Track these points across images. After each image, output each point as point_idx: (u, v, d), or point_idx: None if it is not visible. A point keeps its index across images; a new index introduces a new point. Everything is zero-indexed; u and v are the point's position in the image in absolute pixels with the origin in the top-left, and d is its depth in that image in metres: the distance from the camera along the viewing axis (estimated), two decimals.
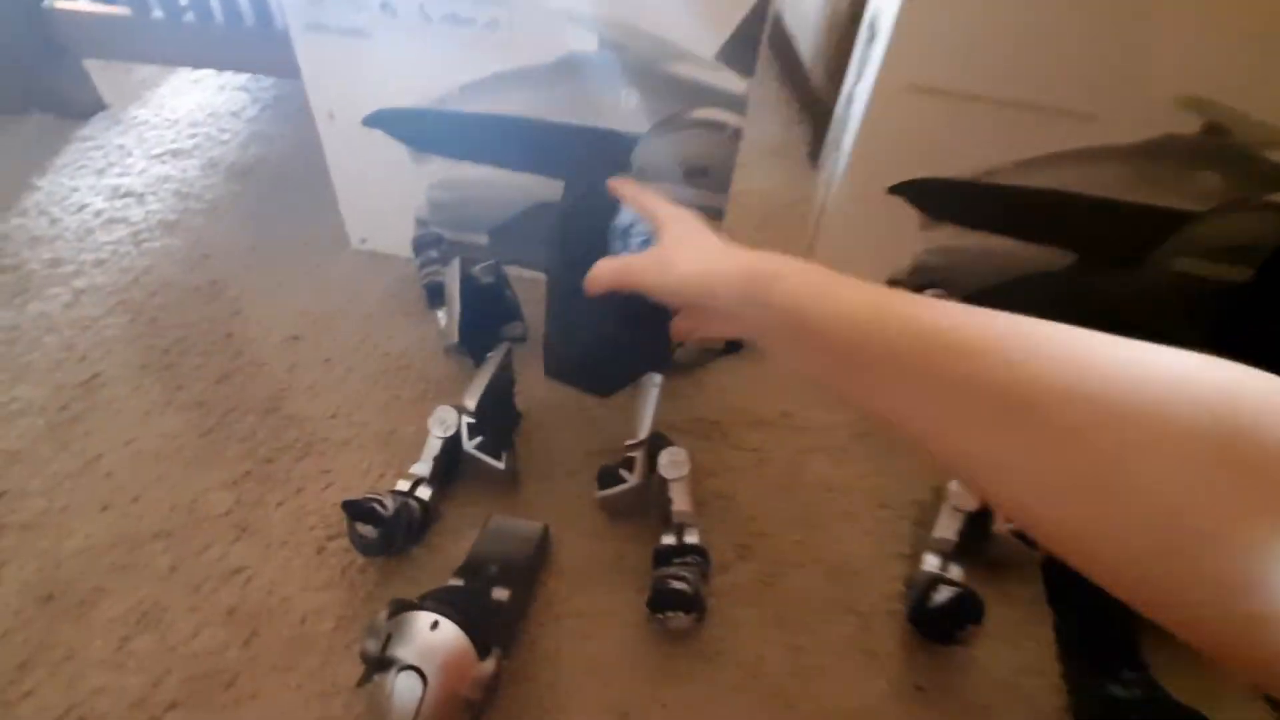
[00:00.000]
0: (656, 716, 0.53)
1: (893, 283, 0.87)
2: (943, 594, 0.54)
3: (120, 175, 0.97)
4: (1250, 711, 0.57)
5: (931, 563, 0.60)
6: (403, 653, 0.42)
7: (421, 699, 0.41)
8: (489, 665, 0.43)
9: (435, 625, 0.43)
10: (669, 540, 0.59)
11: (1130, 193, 0.73)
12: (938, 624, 0.54)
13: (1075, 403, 0.21)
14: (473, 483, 0.65)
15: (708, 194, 0.78)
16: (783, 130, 1.27)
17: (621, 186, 0.51)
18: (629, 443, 0.60)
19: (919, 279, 0.85)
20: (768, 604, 0.60)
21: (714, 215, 0.80)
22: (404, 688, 0.42)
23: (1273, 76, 0.64)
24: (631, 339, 0.51)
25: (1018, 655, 0.59)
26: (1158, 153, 0.70)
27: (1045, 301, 0.83)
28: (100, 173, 0.97)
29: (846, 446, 0.74)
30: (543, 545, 0.59)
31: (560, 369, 0.59)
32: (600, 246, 0.54)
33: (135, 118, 1.08)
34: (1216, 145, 0.69)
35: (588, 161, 0.77)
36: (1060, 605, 0.61)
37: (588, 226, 0.56)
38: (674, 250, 0.43)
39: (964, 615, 0.53)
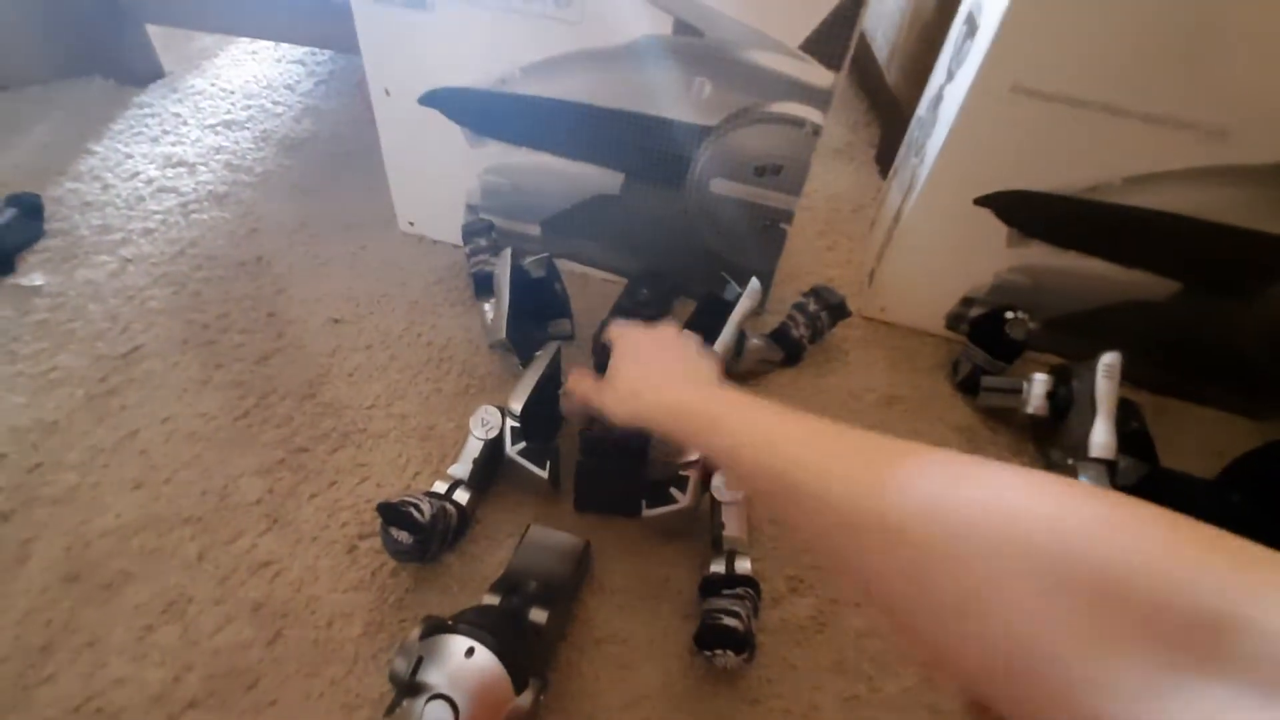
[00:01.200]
0: None
1: (968, 301, 0.80)
2: None
3: (174, 144, 0.96)
4: None
5: None
6: (435, 679, 0.39)
7: None
8: (526, 700, 0.39)
9: (470, 652, 0.40)
10: (718, 568, 0.54)
11: (1256, 219, 0.66)
12: None
13: (934, 540, 0.23)
14: (512, 489, 0.62)
15: (778, 194, 0.72)
16: (849, 131, 1.20)
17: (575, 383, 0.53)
18: (684, 460, 0.56)
19: (998, 298, 0.78)
20: (822, 646, 0.55)
21: (783, 218, 0.74)
22: (434, 712, 0.38)
23: None
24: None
25: None
26: (1243, 176, 0.63)
27: (1144, 331, 0.76)
28: (155, 140, 0.96)
29: None
30: (583, 561, 0.55)
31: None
32: None
33: (192, 87, 1.07)
34: None
35: (653, 153, 0.72)
36: None
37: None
38: (614, 379, 0.47)
39: None
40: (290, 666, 0.50)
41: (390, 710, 0.39)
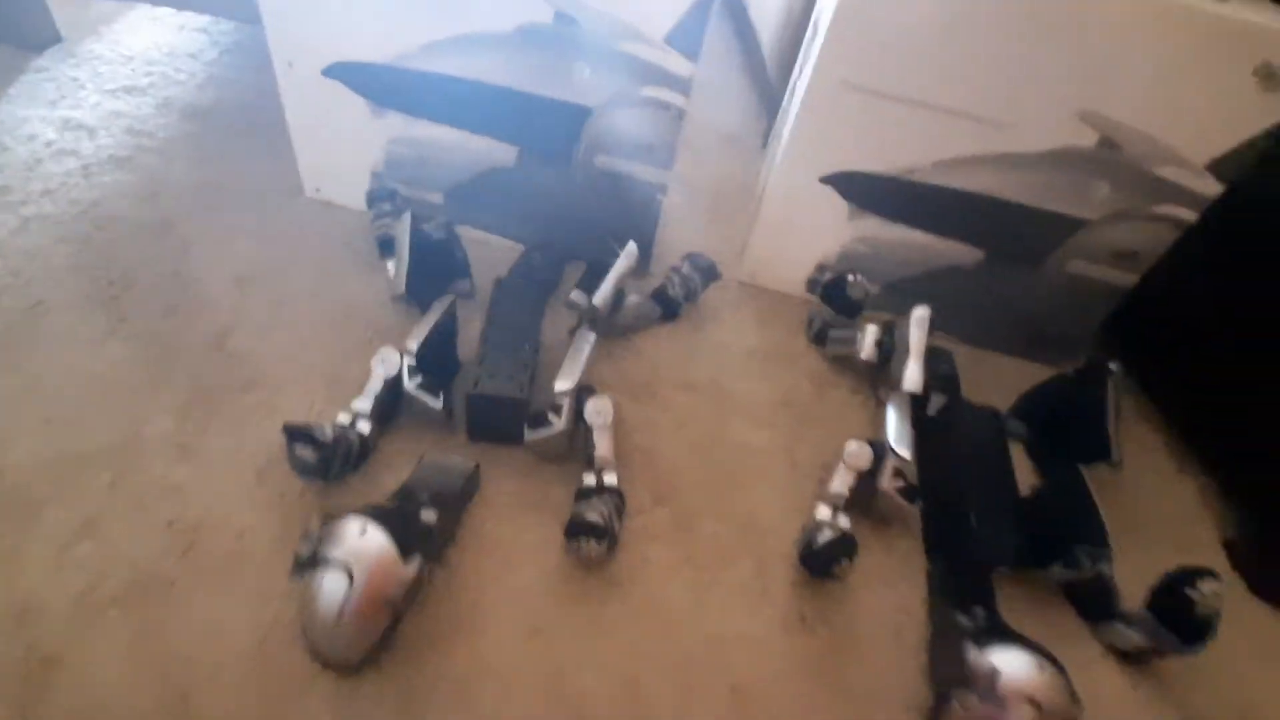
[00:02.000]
0: (565, 632, 0.58)
1: (822, 267, 0.93)
2: (824, 535, 0.61)
3: (72, 108, 0.97)
4: (1091, 651, 0.66)
5: (823, 513, 0.67)
6: (334, 553, 0.47)
7: (347, 594, 0.46)
8: (411, 569, 0.48)
9: (364, 531, 0.48)
10: (589, 481, 0.64)
11: (1033, 198, 0.81)
12: (819, 561, 0.61)
13: None
14: (412, 422, 0.69)
15: (651, 169, 0.82)
16: (741, 119, 1.32)
17: None
18: (558, 388, 0.65)
19: (845, 265, 0.91)
20: (677, 545, 0.66)
21: (658, 190, 0.85)
22: (332, 582, 0.46)
23: (1163, 98, 0.72)
24: None
25: (892, 595, 0.66)
26: (1058, 162, 0.78)
27: (958, 292, 0.91)
28: (52, 104, 0.96)
29: (766, 414, 0.81)
30: (472, 480, 0.64)
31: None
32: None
33: (90, 52, 1.07)
34: (1109, 159, 0.77)
35: (543, 130, 0.81)
36: (934, 555, 0.69)
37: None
38: None
39: (840, 552, 0.60)
40: (203, 570, 0.56)
41: (293, 575, 0.46)
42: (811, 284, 0.95)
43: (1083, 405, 0.79)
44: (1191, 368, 0.89)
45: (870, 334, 0.84)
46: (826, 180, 0.85)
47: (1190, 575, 0.60)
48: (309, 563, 0.47)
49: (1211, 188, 0.76)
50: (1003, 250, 0.87)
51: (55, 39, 1.07)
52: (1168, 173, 0.76)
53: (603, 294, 0.75)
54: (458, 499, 0.61)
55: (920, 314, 0.80)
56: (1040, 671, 0.50)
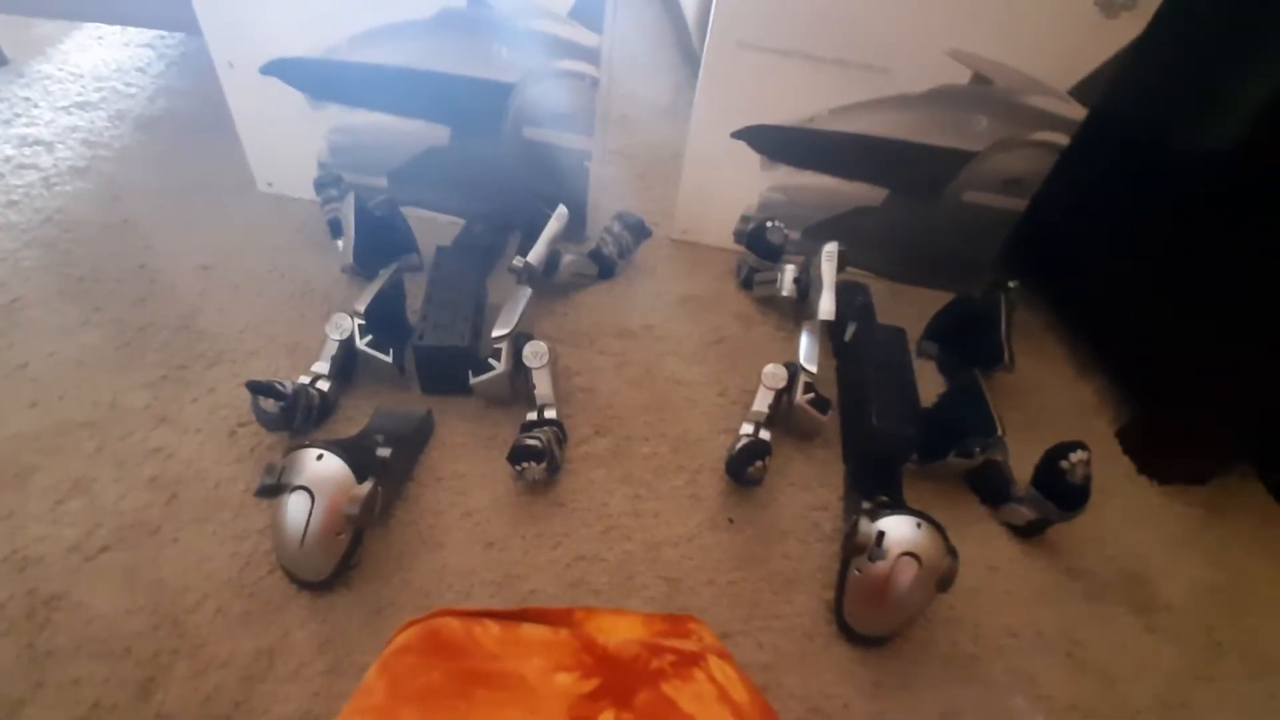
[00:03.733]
0: (516, 545, 0.66)
1: (745, 219, 1.01)
2: (741, 442, 0.69)
3: (27, 125, 1.02)
4: (991, 529, 0.75)
5: (747, 429, 0.74)
6: (295, 479, 0.54)
7: (310, 511, 0.53)
8: (365, 487, 0.55)
9: (320, 457, 0.55)
10: (531, 416, 0.72)
11: (921, 135, 0.89)
12: (736, 464, 0.69)
13: None
14: (369, 381, 0.76)
15: (574, 136, 0.89)
16: (673, 91, 1.39)
17: None
18: (495, 334, 0.72)
19: (765, 213, 0.99)
20: (616, 466, 0.74)
21: (584, 157, 0.92)
22: (296, 504, 0.53)
23: (1021, 32, 0.80)
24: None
25: (810, 496, 0.74)
26: (938, 100, 0.86)
27: (870, 230, 0.99)
28: (7, 123, 1.01)
29: (697, 352, 0.89)
30: (425, 424, 0.71)
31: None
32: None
33: (39, 72, 1.12)
34: (983, 93, 0.85)
35: (471, 108, 0.87)
36: (850, 460, 0.77)
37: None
38: None
39: (753, 454, 0.67)
40: (186, 516, 0.63)
41: (259, 494, 0.53)
42: (737, 235, 1.03)
43: (980, 320, 0.87)
44: (1083, 280, 0.98)
45: (789, 272, 0.92)
46: (737, 135, 0.92)
47: (1062, 449, 0.69)
48: (273, 489, 0.54)
49: (1077, 112, 0.84)
50: (903, 187, 0.95)
51: (1, 61, 1.12)
52: (1037, 101, 0.84)
53: (536, 253, 0.82)
54: (411, 440, 0.68)
55: (830, 249, 0.88)
56: (918, 529, 0.58)
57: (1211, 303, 0.82)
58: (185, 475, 0.65)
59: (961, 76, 0.83)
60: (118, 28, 1.22)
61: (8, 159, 0.95)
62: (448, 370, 0.74)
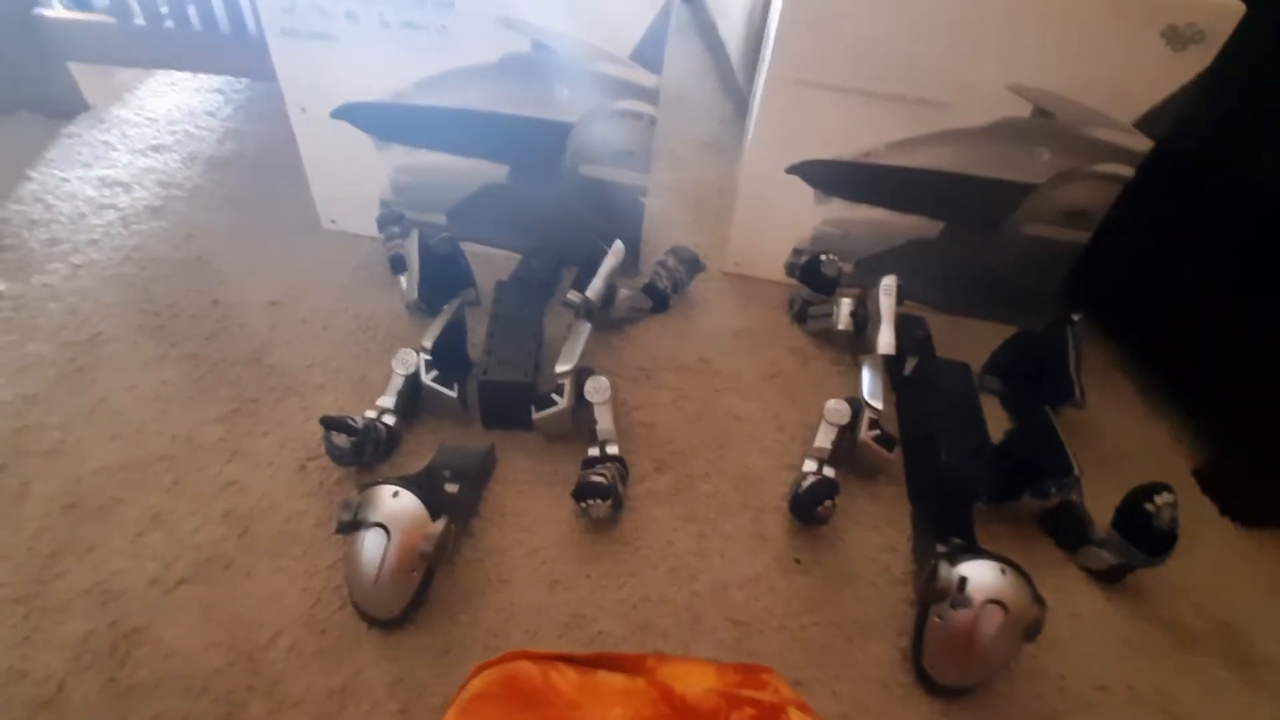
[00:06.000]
0: (582, 584, 0.65)
1: (798, 251, 1.01)
2: (808, 480, 0.68)
3: (107, 168, 1.07)
4: (1069, 575, 0.72)
5: (810, 466, 0.73)
6: (371, 515, 0.54)
7: (386, 548, 0.53)
8: (439, 525, 0.55)
9: (396, 494, 0.55)
10: (593, 452, 0.71)
11: (980, 168, 0.88)
12: (803, 504, 0.67)
13: None
14: (433, 416, 0.77)
15: (631, 173, 0.91)
16: (718, 126, 1.41)
17: None
18: (558, 370, 0.73)
19: (818, 246, 0.98)
20: (679, 504, 0.73)
21: (640, 193, 0.93)
22: (372, 541, 0.53)
23: (1085, 66, 0.79)
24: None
25: (878, 537, 0.72)
26: (999, 134, 0.85)
27: (926, 263, 0.98)
28: (88, 165, 1.07)
29: (755, 386, 0.88)
30: (489, 459, 0.71)
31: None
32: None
33: (117, 117, 1.18)
34: (1045, 126, 0.84)
35: (530, 147, 0.90)
36: (917, 499, 0.75)
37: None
38: None
39: (821, 493, 0.66)
40: (259, 550, 0.63)
41: (339, 531, 0.54)
42: (789, 268, 1.02)
43: (1047, 354, 0.85)
44: (1150, 314, 0.95)
45: (845, 306, 0.91)
46: (792, 170, 0.92)
47: (1147, 491, 0.66)
48: (351, 525, 0.54)
49: (1143, 144, 0.83)
50: (961, 220, 0.94)
51: (83, 107, 1.18)
52: (1101, 134, 0.83)
53: (594, 288, 0.83)
54: (476, 476, 0.68)
55: (888, 282, 0.87)
56: (1003, 575, 0.56)
57: None
58: (258, 509, 0.66)
59: (1023, 110, 0.83)
60: (189, 74, 1.29)
61: (89, 199, 1.00)
62: (510, 405, 0.74)
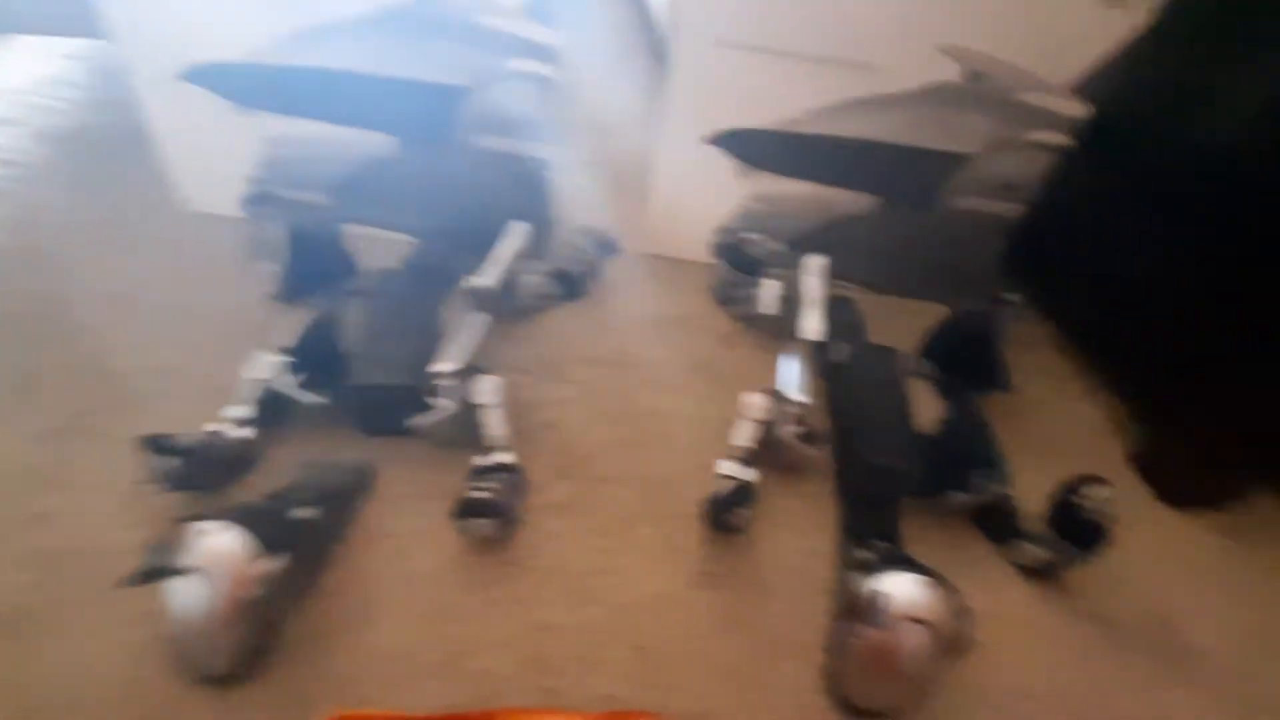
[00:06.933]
0: (464, 615, 0.57)
1: (724, 230, 0.93)
2: (722, 486, 0.61)
3: None
4: (1001, 572, 0.67)
5: (726, 468, 0.66)
6: (185, 558, 0.45)
7: (205, 599, 0.44)
8: (274, 562, 0.46)
9: (214, 532, 0.46)
10: (482, 462, 0.63)
11: (912, 137, 0.82)
12: (716, 512, 0.61)
13: None
14: (305, 426, 0.67)
15: (535, 145, 0.81)
16: (646, 98, 1.31)
17: None
18: (437, 369, 0.64)
19: (745, 225, 0.91)
20: (581, 515, 0.65)
21: (543, 166, 0.84)
22: (189, 588, 0.44)
23: (1016, 23, 0.73)
24: None
25: (802, 540, 0.66)
26: (930, 99, 0.79)
27: (858, 241, 0.91)
28: None
29: (676, 378, 0.81)
30: (364, 474, 0.62)
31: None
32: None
33: None
34: (977, 90, 0.78)
35: (418, 115, 0.79)
36: (843, 497, 0.69)
37: None
38: None
39: (734, 500, 0.59)
40: (72, 598, 0.53)
41: (135, 582, 0.44)
42: (715, 248, 0.95)
43: (978, 337, 0.80)
44: (1087, 291, 0.91)
45: (769, 289, 0.84)
46: (712, 141, 0.84)
47: (1078, 484, 0.61)
48: (157, 573, 0.45)
49: (1078, 110, 0.77)
50: (894, 194, 0.87)
51: None
52: (1034, 99, 0.77)
53: (491, 274, 0.74)
54: (343, 495, 0.59)
55: (815, 262, 0.80)
56: (926, 590, 0.50)
57: (1226, 312, 0.75)
58: (74, 547, 0.56)
59: (953, 73, 0.76)
60: (39, 38, 1.13)
61: None
62: (390, 412, 0.65)
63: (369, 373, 0.63)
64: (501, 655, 0.55)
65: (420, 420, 0.63)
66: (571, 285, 0.86)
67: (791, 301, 0.83)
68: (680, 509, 0.67)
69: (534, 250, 0.88)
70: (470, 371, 0.66)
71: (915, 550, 0.66)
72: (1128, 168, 0.81)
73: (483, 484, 0.59)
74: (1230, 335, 0.74)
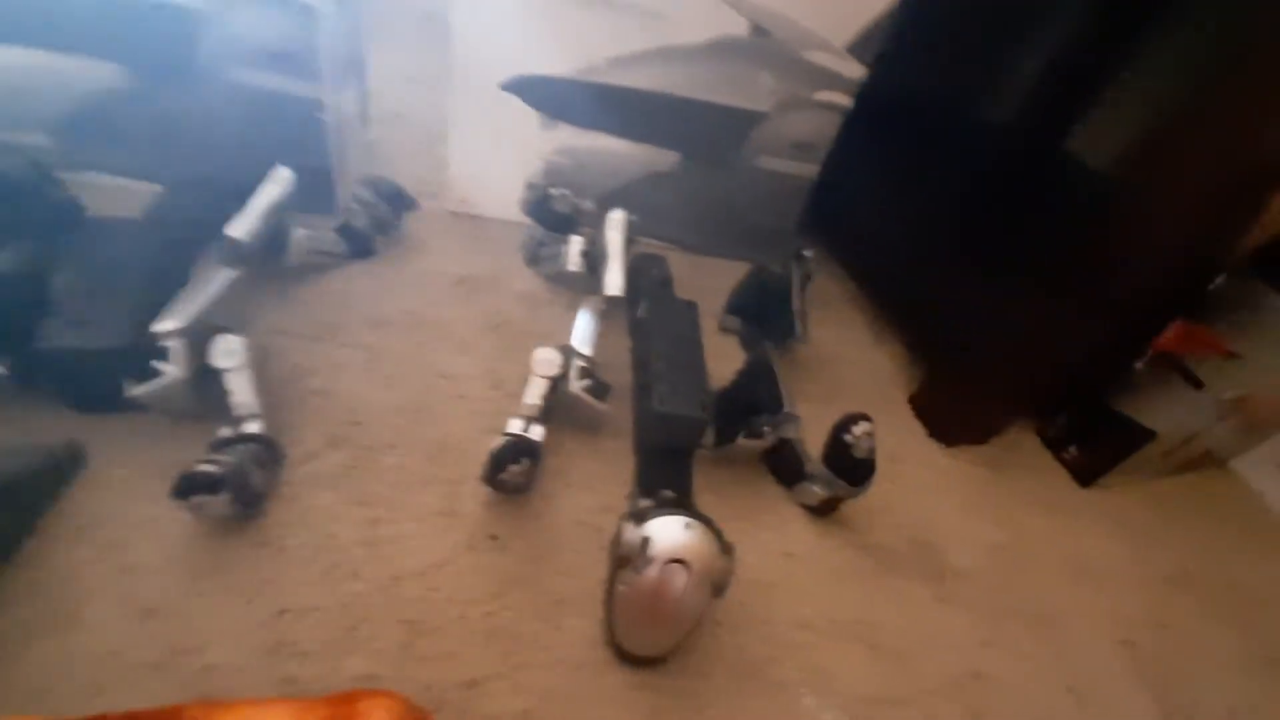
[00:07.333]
0: (192, 607, 0.50)
1: (532, 186, 0.89)
2: (496, 444, 0.58)
3: None
4: (788, 513, 0.69)
5: (515, 426, 0.63)
6: None
7: None
8: None
9: None
10: (226, 432, 0.56)
11: (706, 93, 0.82)
12: (492, 471, 0.57)
13: None
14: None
15: (299, 82, 0.73)
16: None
17: None
18: (159, 328, 0.55)
19: (552, 180, 0.88)
20: (351, 485, 0.60)
21: (315, 108, 0.75)
22: None
23: None
24: None
25: (594, 498, 0.65)
26: (718, 53, 0.79)
27: (665, 199, 0.91)
28: None
29: (470, 338, 0.76)
30: (68, 456, 0.53)
31: None
32: None
33: None
34: (763, 46, 0.79)
35: (147, 41, 0.68)
36: (638, 450, 0.69)
37: None
38: None
39: (507, 456, 0.56)
40: None
41: None
42: (523, 205, 0.91)
43: (775, 291, 0.83)
44: (872, 245, 0.97)
45: (575, 245, 0.82)
46: (508, 88, 0.80)
47: (847, 421, 0.65)
48: None
49: (855, 71, 0.81)
50: (695, 151, 0.88)
51: None
52: (816, 58, 0.80)
53: (243, 225, 0.65)
54: (30, 484, 0.49)
55: (615, 216, 0.79)
56: (686, 530, 0.50)
57: (984, 266, 0.83)
58: None
59: (740, 27, 0.77)
60: None
61: None
62: (98, 381, 0.55)
63: (60, 335, 0.53)
64: (235, 646, 0.49)
65: (142, 390, 0.54)
66: (358, 242, 0.79)
67: (595, 259, 0.81)
68: (468, 472, 0.63)
69: (317, 204, 0.79)
70: (208, 332, 0.58)
71: (712, 497, 0.67)
72: (901, 126, 0.87)
73: (214, 457, 0.51)
74: (987, 287, 0.82)
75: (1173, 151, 0.63)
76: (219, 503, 0.50)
